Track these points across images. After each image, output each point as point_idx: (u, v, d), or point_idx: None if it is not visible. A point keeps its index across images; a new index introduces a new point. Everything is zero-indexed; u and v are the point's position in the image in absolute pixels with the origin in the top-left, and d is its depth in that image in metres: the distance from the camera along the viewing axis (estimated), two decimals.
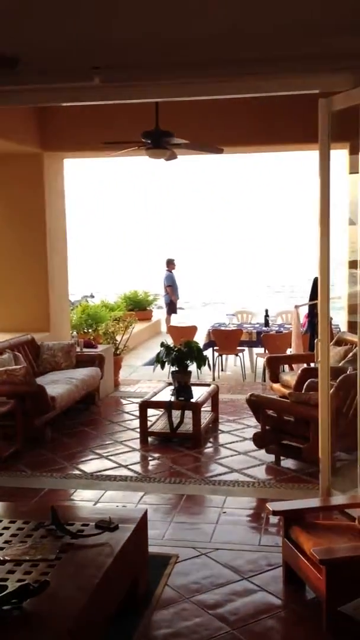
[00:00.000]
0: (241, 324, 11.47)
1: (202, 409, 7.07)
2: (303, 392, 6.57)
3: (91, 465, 6.36)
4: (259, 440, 6.27)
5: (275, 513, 4.14)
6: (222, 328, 10.72)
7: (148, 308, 16.00)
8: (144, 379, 10.15)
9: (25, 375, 6.66)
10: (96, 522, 3.78)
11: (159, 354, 7.25)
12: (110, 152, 8.52)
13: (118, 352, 9.79)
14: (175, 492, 5.63)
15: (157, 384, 9.48)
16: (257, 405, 6.26)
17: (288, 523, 4.13)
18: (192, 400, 7.00)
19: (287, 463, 6.24)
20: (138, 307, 15.42)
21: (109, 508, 5.11)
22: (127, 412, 8.21)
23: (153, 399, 7.13)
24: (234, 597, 3.96)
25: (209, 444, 7.00)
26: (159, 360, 7.21)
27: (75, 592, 3.11)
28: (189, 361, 7.23)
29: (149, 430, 6.99)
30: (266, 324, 10.71)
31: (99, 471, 6.13)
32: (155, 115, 7.12)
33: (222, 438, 7.17)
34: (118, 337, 9.98)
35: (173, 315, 15.94)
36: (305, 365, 8.07)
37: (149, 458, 6.61)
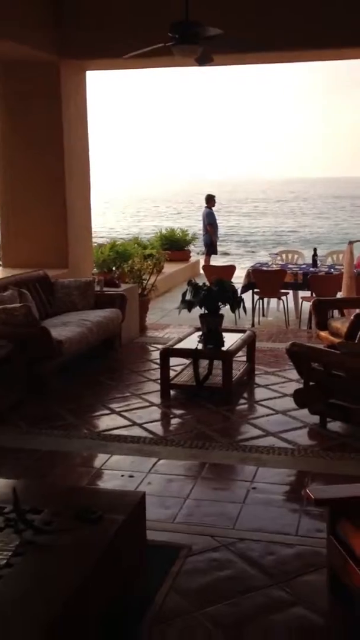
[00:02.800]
0: (286, 264, 10.23)
1: (235, 359, 6.00)
2: (357, 341, 5.41)
3: (100, 422, 5.40)
4: (301, 398, 5.18)
5: (318, 503, 3.07)
6: (264, 268, 9.53)
7: (186, 248, 14.83)
8: (175, 323, 9.09)
9: (26, 314, 5.68)
10: (75, 510, 2.79)
11: (184, 293, 6.16)
12: (133, 59, 7.29)
13: (145, 293, 8.74)
14: (196, 459, 4.62)
15: (188, 329, 8.44)
16: (299, 356, 5.15)
17: (335, 515, 3.07)
18: (223, 348, 5.93)
19: (334, 426, 5.16)
20: (175, 247, 14.26)
21: (107, 481, 4.15)
22: (151, 360, 7.20)
23: (177, 346, 6.08)
24: (260, 611, 2.96)
25: (242, 400, 5.95)
26: (184, 301, 6.12)
27: (24, 624, 2.13)
28: (220, 302, 6.13)
29: (172, 382, 5.96)
30: (314, 264, 9.45)
31: (108, 430, 5.16)
32: (185, 4, 5.83)
33: (258, 393, 6.10)
34: (147, 277, 8.91)
35: (213, 256, 14.75)
36: (358, 310, 6.87)
37: (170, 415, 5.61)
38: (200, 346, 5.97)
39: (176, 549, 3.41)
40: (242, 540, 3.53)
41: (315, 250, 9.53)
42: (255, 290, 9.28)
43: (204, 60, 6.26)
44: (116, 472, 4.38)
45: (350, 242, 7.60)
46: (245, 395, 6.11)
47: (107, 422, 5.37)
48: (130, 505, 2.87)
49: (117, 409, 5.63)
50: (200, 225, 14.67)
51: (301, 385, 5.40)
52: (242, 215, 52.75)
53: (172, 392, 5.99)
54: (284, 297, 9.34)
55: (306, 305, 9.30)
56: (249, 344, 6.52)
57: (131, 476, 4.30)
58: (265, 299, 9.77)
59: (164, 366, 5.91)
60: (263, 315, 9.95)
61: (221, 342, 5.97)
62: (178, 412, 5.68)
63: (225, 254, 25.96)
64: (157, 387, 6.10)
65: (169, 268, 12.67)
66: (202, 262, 14.72)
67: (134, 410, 5.61)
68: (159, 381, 6.08)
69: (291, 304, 9.76)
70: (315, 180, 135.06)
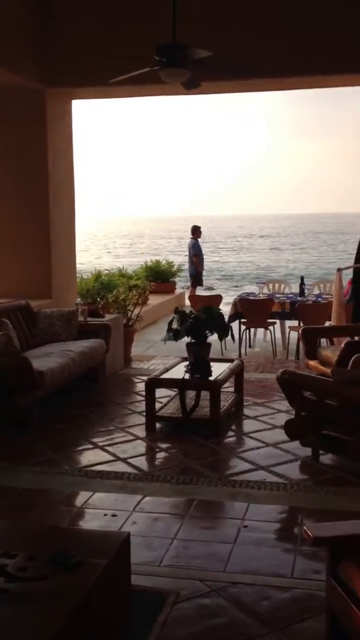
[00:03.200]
0: (272, 293, 10.10)
1: (222, 390, 5.79)
2: (350, 366, 5.23)
3: (82, 457, 5.14)
4: (293, 429, 4.96)
5: (317, 542, 2.84)
6: (251, 298, 9.38)
7: (171, 279, 14.71)
8: (160, 354, 8.88)
9: (5, 343, 5.45)
10: (52, 555, 2.54)
11: (171, 321, 5.96)
12: (120, 87, 7.22)
13: (130, 324, 8.53)
14: (183, 495, 4.37)
15: (175, 359, 8.23)
16: (291, 385, 4.94)
17: (336, 555, 2.83)
18: (211, 378, 5.71)
19: (327, 459, 4.94)
20: (160, 278, 14.14)
21: (88, 521, 3.89)
22: (136, 392, 6.97)
23: (163, 376, 5.86)
24: None
25: (231, 433, 5.72)
26: (171, 329, 5.92)
27: None
28: (208, 331, 5.94)
29: (157, 414, 5.73)
30: (301, 293, 9.33)
31: (91, 465, 4.90)
32: (173, 25, 5.78)
33: (247, 425, 5.88)
34: (132, 308, 8.72)
35: (198, 287, 14.63)
36: (349, 338, 6.71)
37: (155, 449, 5.36)
38: (187, 376, 5.76)
39: (163, 595, 3.14)
40: (233, 584, 3.27)
41: (302, 279, 9.41)
42: (242, 320, 9.11)
43: (191, 84, 6.19)
44: (99, 511, 4.11)
45: (339, 270, 7.48)
46: (234, 427, 5.88)
47: (89, 457, 5.11)
48: (113, 548, 2.62)
49: (100, 443, 5.37)
50: (185, 256, 14.59)
51: (292, 416, 5.19)
52: (225, 250, 52.70)
53: (157, 425, 5.76)
54: (271, 327, 9.18)
55: (294, 335, 9.16)
56: (237, 373, 6.31)
57: (114, 515, 4.04)
58: (252, 329, 9.61)
59: (150, 398, 5.68)
60: (250, 345, 9.78)
61: (209, 372, 5.76)
62: (164, 445, 5.43)
63: (210, 288, 25.86)
64: (142, 419, 5.86)
65: (154, 299, 12.52)
66: (187, 294, 14.59)
67: (118, 444, 5.35)
68: (144, 413, 5.84)
69: (278, 334, 9.61)
70: (290, 216, 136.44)
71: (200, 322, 5.85)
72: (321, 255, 47.32)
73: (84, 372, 6.65)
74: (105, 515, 4.05)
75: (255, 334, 9.94)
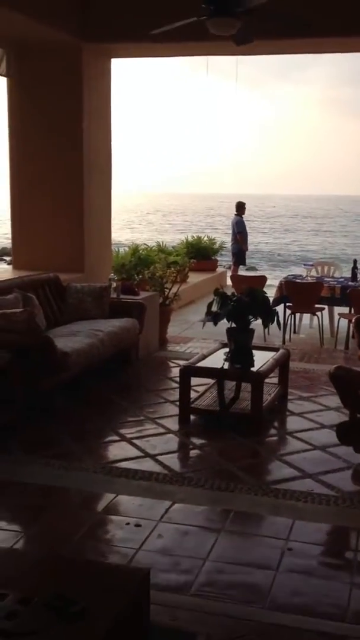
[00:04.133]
0: (322, 277, 9.37)
1: (265, 382, 5.18)
2: None
3: (107, 451, 4.62)
4: (347, 434, 4.34)
5: None
6: (299, 280, 8.70)
7: (213, 257, 14.05)
8: (198, 337, 8.29)
9: (28, 320, 4.93)
10: (50, 597, 2.00)
11: (210, 304, 5.37)
12: (163, 45, 6.57)
13: (167, 303, 7.96)
14: (218, 504, 3.81)
15: (214, 344, 7.65)
16: (345, 382, 4.31)
17: None
18: (253, 368, 5.11)
19: None
20: (201, 255, 13.48)
21: (107, 532, 3.36)
22: (171, 378, 6.41)
23: (200, 364, 5.28)
24: None
25: (273, 431, 5.13)
26: (210, 312, 5.33)
27: None
28: (251, 316, 5.33)
29: (192, 405, 5.16)
30: (354, 277, 8.59)
31: (116, 461, 4.37)
32: None
33: (292, 423, 5.27)
34: (170, 286, 8.15)
35: (241, 267, 13.95)
36: None
37: (189, 446, 4.81)
38: (226, 365, 5.17)
39: (190, 637, 2.59)
40: (276, 625, 2.71)
41: (355, 262, 8.67)
42: (288, 304, 8.45)
43: (242, 38, 5.52)
44: (121, 519, 3.58)
45: None
46: (277, 424, 5.29)
47: (115, 451, 4.58)
48: (127, 591, 2.07)
49: (128, 435, 4.83)
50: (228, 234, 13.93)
51: (345, 417, 4.57)
52: (267, 230, 50.83)
53: (192, 417, 5.19)
54: (318, 313, 8.49)
55: (343, 323, 8.46)
56: (282, 364, 5.70)
57: (138, 525, 3.50)
58: (298, 315, 8.94)
59: (184, 387, 5.12)
60: (295, 331, 9.12)
61: (251, 362, 5.16)
62: (198, 441, 4.87)
63: (252, 268, 25.02)
64: (176, 410, 5.30)
65: (194, 278, 11.92)
66: (229, 273, 13.94)
67: (148, 437, 4.81)
68: (178, 403, 5.28)
69: (326, 321, 8.91)
70: (331, 197, 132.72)
71: (243, 306, 5.24)
72: None
73: (114, 354, 6.11)
74: (128, 524, 3.52)
75: (301, 319, 9.26)
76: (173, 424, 5.11)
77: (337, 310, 8.78)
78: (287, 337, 8.54)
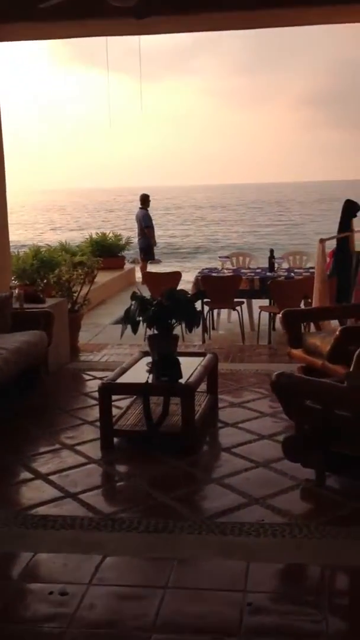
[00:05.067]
0: (238, 269, 8.96)
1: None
2: (353, 365, 4.16)
3: (19, 494, 3.92)
4: (294, 449, 3.86)
5: None
6: (215, 274, 8.23)
7: (120, 254, 13.42)
8: (112, 342, 7.64)
9: None
10: None
11: (128, 310, 4.77)
12: (59, 24, 5.87)
13: (76, 308, 7.28)
14: (157, 551, 3.22)
15: (131, 349, 7.05)
16: (289, 391, 3.83)
17: None
18: (181, 380, 4.56)
19: (334, 482, 3.88)
20: (107, 253, 12.81)
21: (25, 608, 2.70)
22: (87, 394, 5.75)
23: (121, 379, 4.66)
24: None
25: (207, 447, 4.61)
26: (129, 320, 4.73)
27: None
28: (174, 320, 4.77)
29: (115, 427, 4.55)
30: (271, 268, 8.23)
31: (31, 507, 3.68)
32: None
33: (227, 436, 4.75)
34: (78, 289, 7.47)
35: (150, 263, 13.40)
36: (339, 323, 5.68)
37: (115, 477, 4.19)
38: (151, 378, 4.58)
39: None
40: None
41: (272, 251, 8.31)
42: (206, 300, 7.97)
43: (141, 11, 4.91)
44: (42, 587, 2.92)
45: (322, 240, 6.39)
46: (210, 439, 4.76)
47: (28, 493, 3.89)
48: None
49: (43, 471, 4.15)
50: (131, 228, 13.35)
51: (281, 422, 4.10)
52: (167, 222, 49.53)
53: (115, 440, 4.58)
54: (238, 307, 8.07)
55: (265, 316, 8.08)
56: (211, 371, 5.17)
57: (64, 594, 2.85)
58: (215, 310, 8.49)
59: (105, 408, 4.49)
60: (213, 328, 8.67)
61: (178, 373, 4.59)
62: (125, 470, 4.27)
63: (157, 261, 24.45)
64: (96, 432, 4.66)
65: (102, 277, 11.24)
66: (137, 270, 13.37)
67: (66, 471, 4.15)
68: (98, 424, 4.64)
69: (245, 315, 8.51)
70: (227, 187, 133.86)
71: (164, 311, 4.68)
72: (267, 226, 45.76)
73: (21, 371, 5.39)
74: (52, 593, 2.86)
75: (219, 314, 8.83)
76: (94, 450, 4.47)
77: (257, 303, 8.41)
78: (206, 335, 8.07)
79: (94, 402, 5.29)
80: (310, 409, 3.80)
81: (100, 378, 6.06)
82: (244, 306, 8.33)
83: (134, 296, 4.85)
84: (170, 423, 4.53)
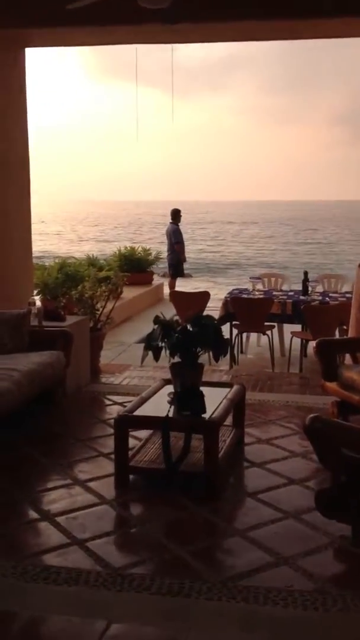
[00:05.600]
0: (269, 290, 8.55)
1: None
2: None
3: (22, 538, 3.55)
4: (329, 504, 3.44)
5: None
6: (245, 296, 7.84)
7: (148, 269, 13.11)
8: (136, 363, 7.29)
9: None
10: None
11: (150, 335, 4.41)
12: (87, 32, 5.60)
13: (99, 327, 6.94)
14: (171, 620, 2.83)
15: (154, 372, 6.69)
16: (325, 438, 3.41)
17: None
18: (205, 414, 4.17)
19: None
20: (136, 268, 12.53)
21: None
22: (106, 421, 5.39)
23: (139, 411, 4.28)
24: None
25: (231, 491, 4.18)
26: (150, 346, 4.36)
27: None
28: (200, 348, 4.40)
29: (132, 463, 4.17)
30: (305, 291, 7.81)
31: (33, 555, 3.32)
32: None
33: (253, 478, 4.34)
34: (103, 305, 7.15)
35: (179, 279, 13.08)
36: None
37: (128, 522, 3.79)
38: (172, 412, 4.20)
39: None
40: None
41: (305, 274, 7.89)
42: (235, 322, 7.58)
43: (171, 16, 4.59)
44: None
45: None
46: (235, 481, 4.35)
47: (32, 538, 3.53)
48: None
49: (51, 510, 3.79)
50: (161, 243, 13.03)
51: (314, 464, 3.68)
52: (200, 238, 48.61)
53: (131, 477, 4.20)
54: (268, 332, 7.66)
55: (296, 342, 7.65)
56: (237, 403, 4.77)
57: None
58: (245, 333, 8.09)
59: (121, 442, 4.12)
60: (242, 351, 8.27)
61: (202, 407, 4.21)
62: (139, 512, 3.89)
63: (188, 275, 24.05)
64: (112, 466, 4.29)
65: (128, 292, 10.94)
66: (166, 286, 13.04)
67: (76, 512, 3.78)
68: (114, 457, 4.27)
69: (275, 339, 8.08)
70: (253, 203, 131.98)
71: (189, 338, 4.30)
72: (309, 245, 44.85)
73: (36, 395, 5.06)
74: None
75: (248, 338, 8.42)
76: (108, 488, 4.10)
77: (288, 327, 7.98)
78: (234, 361, 7.66)
79: (112, 431, 4.91)
80: (349, 458, 3.38)
81: (121, 403, 5.76)
82: (275, 330, 7.92)
83: (156, 320, 4.49)
84: (191, 460, 4.14)
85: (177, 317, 8.02)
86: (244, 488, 4.23)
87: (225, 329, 7.15)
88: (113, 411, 5.63)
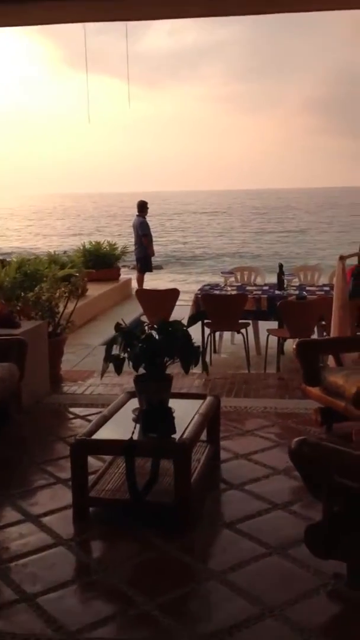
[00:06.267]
0: (243, 285, 8.05)
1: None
2: None
3: None
4: (321, 542, 2.95)
5: None
6: (217, 292, 7.34)
7: (115, 265, 12.55)
8: (101, 369, 6.71)
9: None
10: None
11: (109, 343, 3.88)
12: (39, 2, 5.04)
13: (58, 331, 6.39)
14: None
15: (120, 379, 6.13)
16: (314, 463, 2.92)
17: None
18: (174, 435, 3.66)
19: None
20: (101, 264, 11.97)
21: None
22: (65, 439, 4.83)
23: (99, 434, 3.74)
24: None
25: (206, 522, 3.68)
26: (110, 358, 3.84)
27: None
28: (167, 357, 3.88)
29: (92, 494, 3.64)
30: (280, 285, 7.34)
31: None
32: None
33: (230, 503, 3.85)
34: (63, 306, 6.60)
35: (147, 274, 12.55)
36: None
37: (88, 568, 3.26)
38: (137, 433, 3.68)
39: None
40: None
41: (281, 267, 7.41)
42: (207, 321, 7.08)
43: None
44: None
45: (342, 258, 5.49)
46: (210, 506, 3.84)
47: None
48: None
49: None
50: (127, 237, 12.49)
51: (293, 482, 3.20)
52: (167, 230, 47.42)
53: (91, 509, 3.67)
54: (243, 330, 7.16)
55: (273, 340, 7.17)
56: (212, 417, 4.27)
57: None
58: (217, 333, 7.59)
59: (78, 471, 3.58)
60: (215, 351, 7.78)
61: (171, 427, 3.69)
62: (100, 555, 3.37)
63: (158, 266, 23.45)
64: (69, 496, 3.75)
65: (93, 290, 10.41)
66: (134, 281, 12.50)
67: (26, 557, 3.24)
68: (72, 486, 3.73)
69: (251, 337, 7.60)
70: (228, 192, 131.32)
71: (155, 347, 3.78)
72: (266, 234, 44.26)
73: None
74: None
75: (221, 336, 7.93)
76: (65, 524, 3.57)
77: (264, 324, 7.51)
78: (207, 359, 7.15)
79: None
80: (342, 487, 2.89)
81: (84, 417, 5.25)
82: (250, 328, 7.43)
83: (117, 328, 3.95)
84: (160, 488, 3.62)
85: (144, 317, 7.51)
86: (221, 516, 3.72)
87: (197, 328, 6.68)
88: (75, 426, 5.11)
